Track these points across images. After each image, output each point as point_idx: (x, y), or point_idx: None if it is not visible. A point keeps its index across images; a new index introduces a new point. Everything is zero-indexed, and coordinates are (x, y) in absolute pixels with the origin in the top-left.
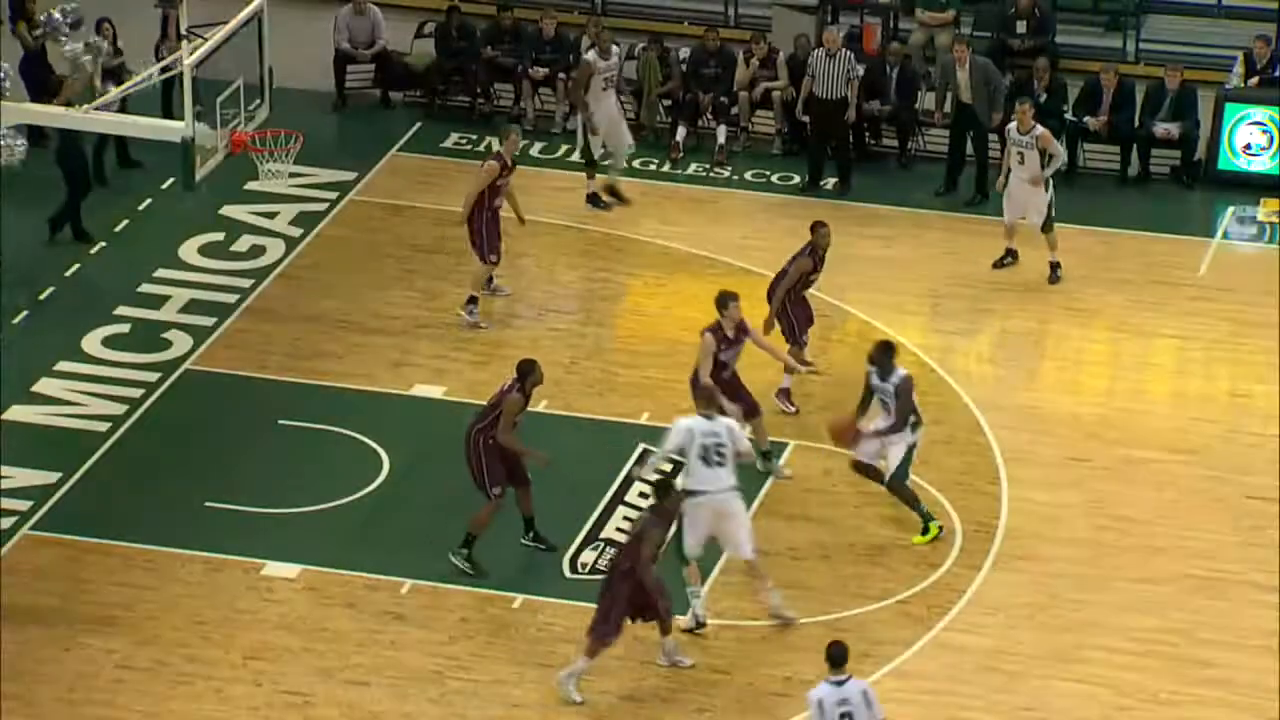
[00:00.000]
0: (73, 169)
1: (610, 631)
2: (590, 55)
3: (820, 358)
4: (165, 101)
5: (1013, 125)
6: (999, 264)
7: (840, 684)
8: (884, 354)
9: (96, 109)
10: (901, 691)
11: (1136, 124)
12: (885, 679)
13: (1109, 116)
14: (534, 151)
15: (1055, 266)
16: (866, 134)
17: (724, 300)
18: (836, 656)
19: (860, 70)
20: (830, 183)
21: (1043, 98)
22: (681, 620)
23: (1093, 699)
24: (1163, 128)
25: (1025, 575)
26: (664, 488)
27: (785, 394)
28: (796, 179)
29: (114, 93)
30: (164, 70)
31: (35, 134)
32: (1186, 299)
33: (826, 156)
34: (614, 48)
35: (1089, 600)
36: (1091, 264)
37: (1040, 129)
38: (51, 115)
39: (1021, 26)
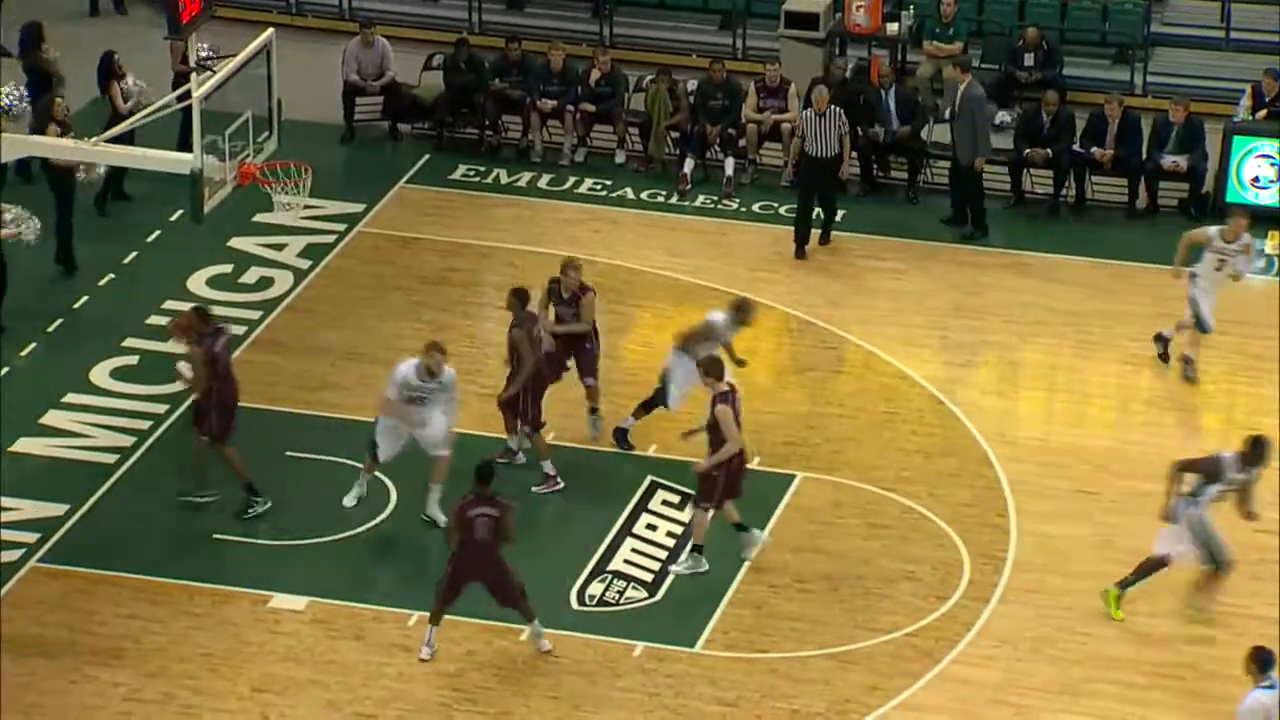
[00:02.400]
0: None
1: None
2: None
3: (827, 390)
4: (183, 133)
5: (1215, 231)
6: (1164, 356)
7: (1272, 688)
8: (1256, 448)
9: (107, 141)
10: None
11: (1144, 156)
12: (893, 712)
13: (1115, 148)
14: (542, 184)
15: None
16: (875, 166)
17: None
18: (1267, 660)
19: (846, 126)
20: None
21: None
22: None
23: None
24: (1170, 160)
25: (1033, 608)
26: (488, 469)
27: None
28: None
29: (123, 125)
30: (168, 104)
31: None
32: (1195, 332)
33: (813, 217)
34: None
35: (1097, 633)
36: (1100, 297)
37: (1247, 236)
38: (61, 148)
39: (1029, 59)
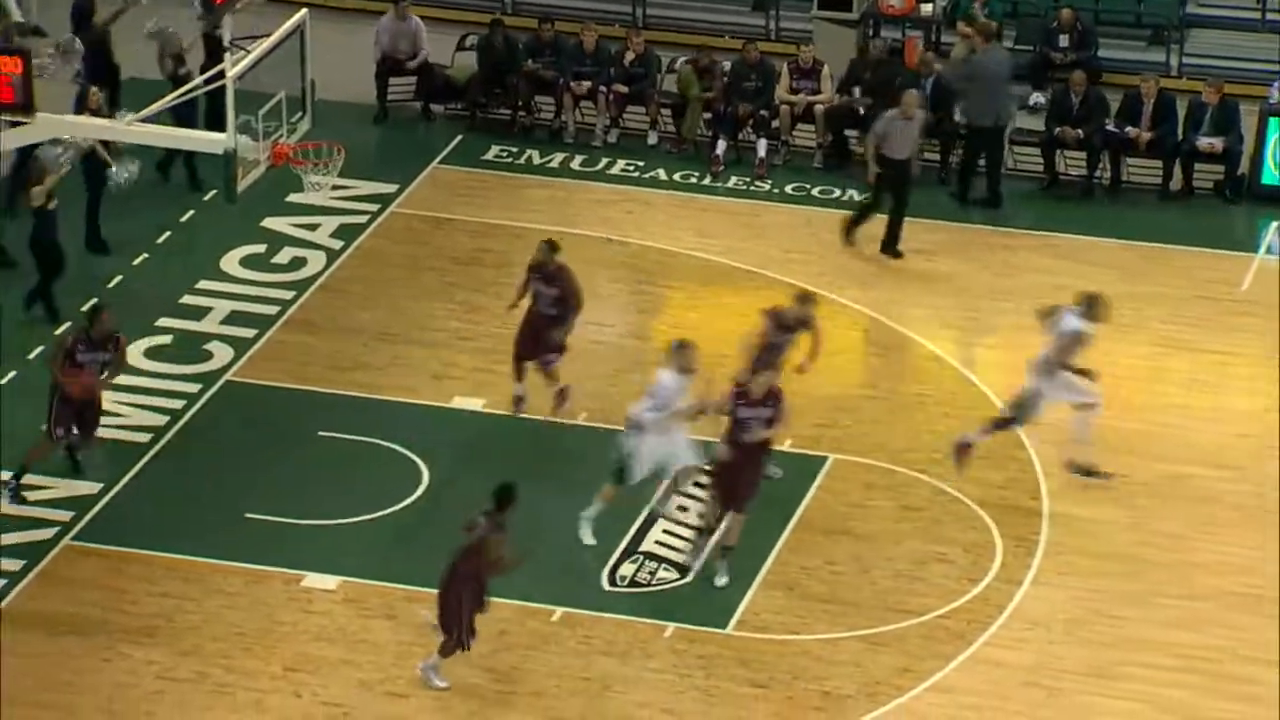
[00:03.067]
0: (45, 253)
1: (466, 636)
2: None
3: (859, 372)
4: (209, 114)
5: None
6: None
7: None
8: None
9: (143, 120)
10: (941, 707)
11: (1179, 137)
12: (925, 694)
13: (1150, 129)
14: (575, 165)
15: None
16: None
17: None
18: None
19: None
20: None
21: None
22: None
23: (1134, 716)
24: (1206, 141)
25: (1066, 591)
26: (507, 494)
27: None
28: (838, 193)
29: (158, 104)
30: (207, 82)
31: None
32: (1228, 314)
33: (877, 213)
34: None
35: (1130, 616)
36: (1132, 279)
37: None
38: (94, 127)
39: (1064, 40)
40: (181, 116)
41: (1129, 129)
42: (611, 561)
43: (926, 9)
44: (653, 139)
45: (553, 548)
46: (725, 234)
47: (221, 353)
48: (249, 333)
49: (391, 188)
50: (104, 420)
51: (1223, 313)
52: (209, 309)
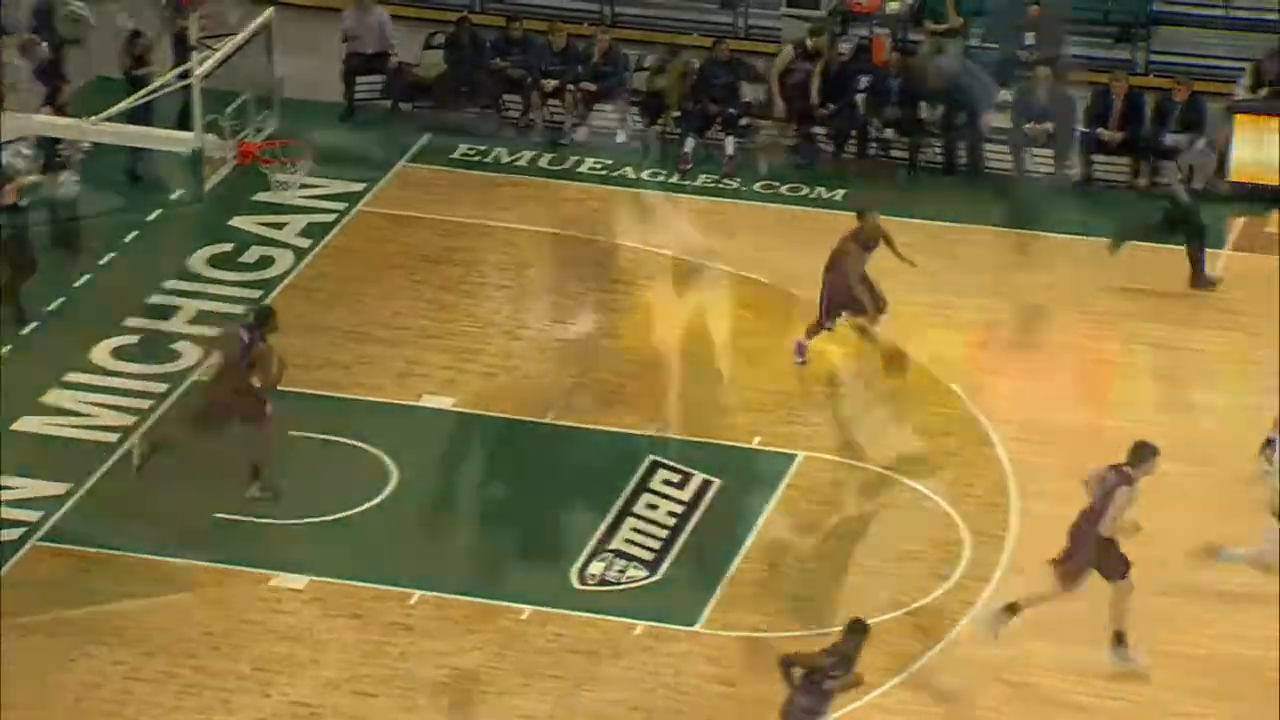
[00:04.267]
0: (14, 252)
1: None
2: None
3: (829, 369)
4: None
5: None
6: None
7: None
8: None
9: (107, 119)
10: (911, 704)
11: (1149, 135)
12: (895, 690)
13: (1120, 128)
14: (543, 163)
15: None
16: (873, 145)
17: None
18: None
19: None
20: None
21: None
22: None
23: (1105, 712)
24: (1175, 139)
25: (1035, 587)
26: None
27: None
28: (806, 190)
29: (124, 103)
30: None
31: None
32: (1191, 310)
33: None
34: None
35: (1100, 613)
36: (1104, 273)
37: None
38: (59, 126)
39: (1030, 38)
40: (136, 116)
41: (1100, 130)
42: (581, 559)
43: (893, 6)
44: (621, 137)
45: (521, 545)
46: (694, 232)
47: (190, 352)
48: (217, 332)
49: (359, 186)
50: (70, 420)
51: (1183, 308)
52: (177, 308)
